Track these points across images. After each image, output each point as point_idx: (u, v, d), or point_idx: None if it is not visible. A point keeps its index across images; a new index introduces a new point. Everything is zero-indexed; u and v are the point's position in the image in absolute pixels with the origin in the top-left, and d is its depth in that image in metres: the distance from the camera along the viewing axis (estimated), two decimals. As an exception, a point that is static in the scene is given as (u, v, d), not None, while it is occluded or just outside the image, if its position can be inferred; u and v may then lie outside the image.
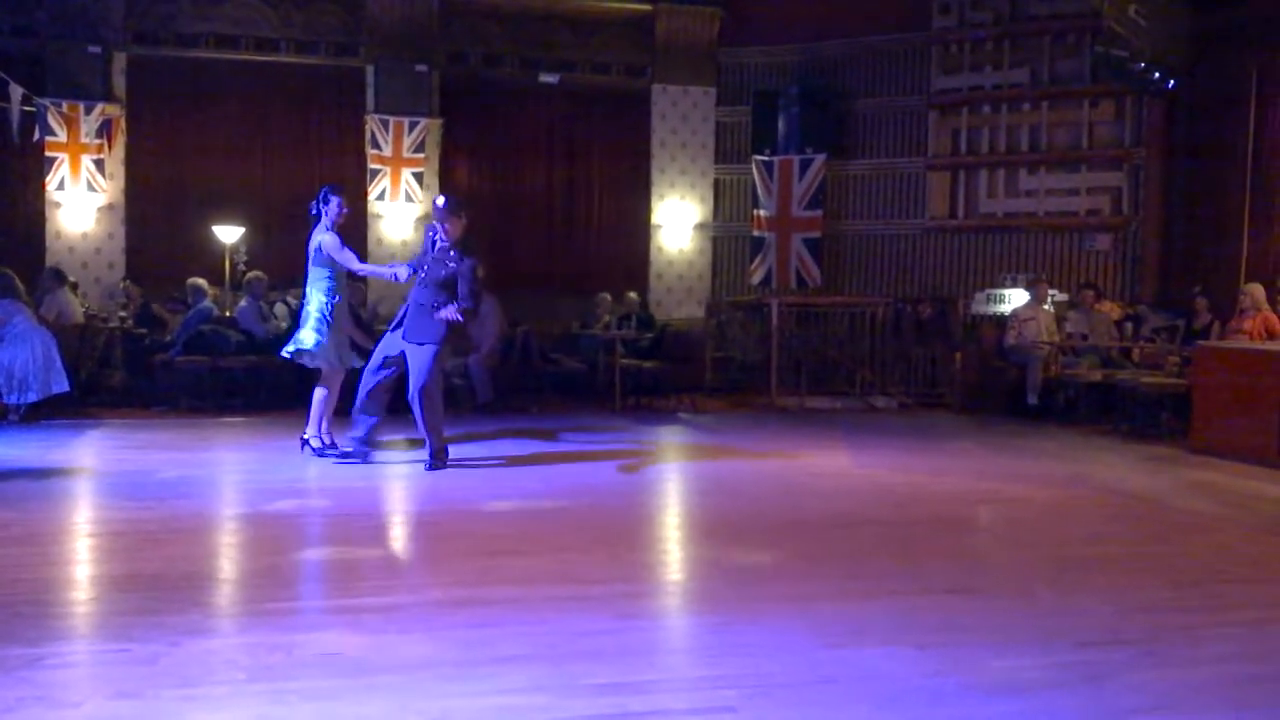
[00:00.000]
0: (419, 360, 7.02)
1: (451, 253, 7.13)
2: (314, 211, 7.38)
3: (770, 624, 3.92)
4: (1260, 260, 10.73)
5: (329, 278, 7.33)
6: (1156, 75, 10.90)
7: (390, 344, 7.19)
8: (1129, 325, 10.82)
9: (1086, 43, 11.88)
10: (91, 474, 7.08)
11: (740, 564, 4.95)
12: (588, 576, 4.62)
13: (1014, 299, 11.43)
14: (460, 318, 7.06)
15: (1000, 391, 10.79)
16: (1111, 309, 11.05)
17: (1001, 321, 11.03)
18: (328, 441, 7.44)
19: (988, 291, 11.99)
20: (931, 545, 5.44)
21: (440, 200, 7.41)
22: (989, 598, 4.40)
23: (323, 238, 7.28)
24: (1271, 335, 9.43)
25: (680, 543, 5.63)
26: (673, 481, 7.34)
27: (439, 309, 7.00)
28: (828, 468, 7.80)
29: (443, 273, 7.09)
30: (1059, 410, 10.21)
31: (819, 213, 13.14)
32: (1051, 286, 11.23)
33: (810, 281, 13.19)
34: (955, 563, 5.09)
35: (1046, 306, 10.83)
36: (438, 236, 7.21)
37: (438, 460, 7.13)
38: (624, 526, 5.73)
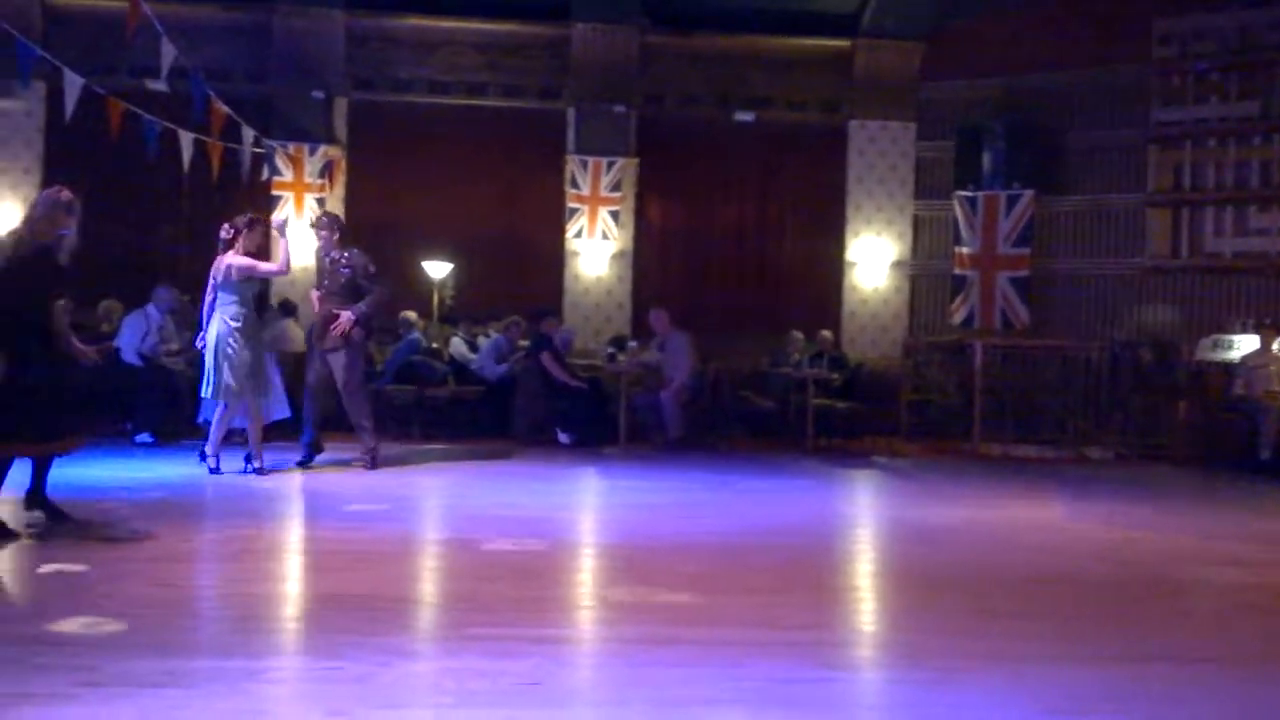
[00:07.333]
0: (338, 366, 7.86)
1: (342, 258, 7.97)
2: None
3: (980, 685, 3.69)
4: None
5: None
6: None
7: (309, 359, 8.19)
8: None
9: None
10: (302, 495, 7.45)
11: (944, 618, 4.71)
12: (786, 621, 4.49)
13: (1243, 345, 10.59)
14: (355, 315, 7.83)
15: (1228, 444, 10.03)
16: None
17: (1229, 369, 10.24)
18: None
19: (1214, 337, 11.14)
20: (1154, 608, 5.03)
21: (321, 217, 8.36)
22: (1223, 669, 4.02)
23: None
24: None
25: (879, 592, 5.42)
26: (867, 527, 7.11)
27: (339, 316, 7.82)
28: (1036, 520, 7.37)
29: (341, 280, 7.91)
30: (1296, 467, 9.37)
31: (1026, 250, 12.59)
32: (1284, 332, 10.35)
33: (1016, 323, 12.62)
34: (1182, 628, 4.69)
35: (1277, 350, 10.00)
36: (326, 252, 8.08)
37: (374, 459, 8.03)
38: (819, 571, 5.57)
